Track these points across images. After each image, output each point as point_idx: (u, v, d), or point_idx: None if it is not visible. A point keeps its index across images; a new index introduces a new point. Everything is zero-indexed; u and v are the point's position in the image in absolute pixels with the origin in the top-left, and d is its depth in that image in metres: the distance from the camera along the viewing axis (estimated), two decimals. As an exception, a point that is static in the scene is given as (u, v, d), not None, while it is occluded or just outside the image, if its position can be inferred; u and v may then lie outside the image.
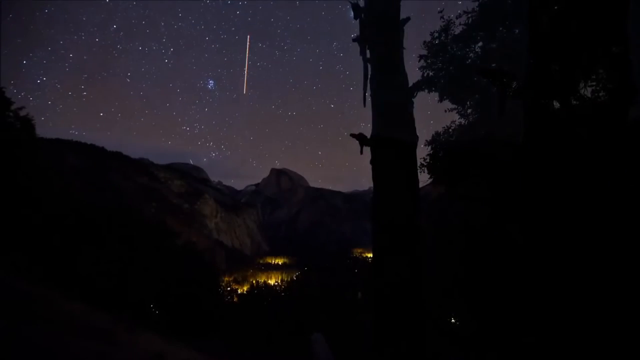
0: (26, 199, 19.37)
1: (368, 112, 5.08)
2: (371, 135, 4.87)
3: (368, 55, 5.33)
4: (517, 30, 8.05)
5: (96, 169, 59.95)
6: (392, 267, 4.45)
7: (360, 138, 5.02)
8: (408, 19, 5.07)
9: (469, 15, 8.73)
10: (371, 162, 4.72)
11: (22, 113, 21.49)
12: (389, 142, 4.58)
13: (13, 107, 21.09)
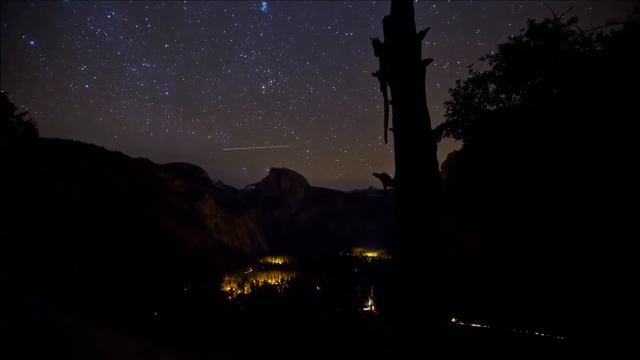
0: (25, 208, 19.22)
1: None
2: (395, 177, 4.95)
3: (389, 92, 5.38)
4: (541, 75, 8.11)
5: (96, 169, 59.61)
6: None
7: (383, 178, 5.11)
8: (430, 59, 5.11)
9: (492, 60, 8.72)
10: (395, 206, 4.81)
11: (26, 118, 21.20)
12: (413, 186, 4.66)
13: (17, 112, 20.81)
